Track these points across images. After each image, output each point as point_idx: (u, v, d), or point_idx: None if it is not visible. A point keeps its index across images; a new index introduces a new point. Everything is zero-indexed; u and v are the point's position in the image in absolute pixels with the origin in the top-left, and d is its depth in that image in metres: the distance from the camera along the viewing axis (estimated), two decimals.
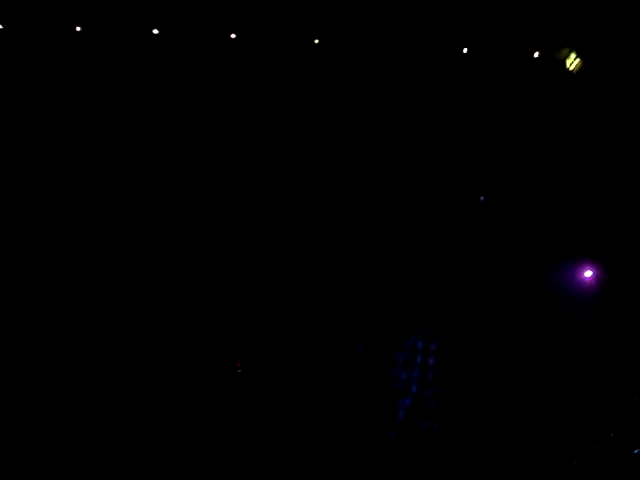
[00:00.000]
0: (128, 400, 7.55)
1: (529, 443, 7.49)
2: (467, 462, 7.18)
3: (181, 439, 7.38)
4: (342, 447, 7.34)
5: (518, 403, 7.60)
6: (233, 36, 8.24)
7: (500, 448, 7.45)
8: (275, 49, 8.27)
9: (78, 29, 8.12)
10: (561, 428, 7.52)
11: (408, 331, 6.53)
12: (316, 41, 8.27)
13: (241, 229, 8.18)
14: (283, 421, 7.64)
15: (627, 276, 7.77)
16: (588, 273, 7.80)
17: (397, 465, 6.43)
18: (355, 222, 8.14)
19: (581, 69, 8.12)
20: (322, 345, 7.79)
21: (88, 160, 8.23)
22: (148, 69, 8.31)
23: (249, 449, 7.45)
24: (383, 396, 6.80)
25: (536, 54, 8.23)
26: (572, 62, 8.16)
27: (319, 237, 8.13)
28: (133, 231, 8.12)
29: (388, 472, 6.51)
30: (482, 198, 8.09)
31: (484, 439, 7.41)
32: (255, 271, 8.08)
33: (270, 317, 7.97)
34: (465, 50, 8.27)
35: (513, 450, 7.46)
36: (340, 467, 7.23)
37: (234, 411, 7.68)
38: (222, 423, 7.61)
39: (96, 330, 7.78)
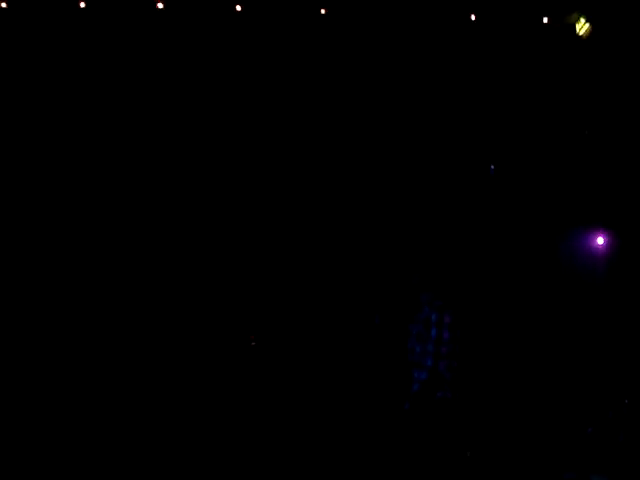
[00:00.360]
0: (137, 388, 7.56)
1: (543, 411, 7.54)
2: (480, 430, 7.24)
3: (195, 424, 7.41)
4: (355, 420, 7.39)
5: (532, 371, 7.63)
6: (239, 8, 8.18)
7: (514, 416, 7.50)
8: (281, 20, 8.20)
9: (82, 5, 8.07)
10: (575, 395, 7.57)
11: (422, 303, 6.55)
12: (322, 11, 8.21)
13: (252, 204, 8.17)
14: (298, 393, 7.68)
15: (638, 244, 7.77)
16: (600, 241, 7.79)
17: (411, 434, 6.49)
18: (367, 194, 8.12)
19: (590, 34, 8.03)
20: (337, 318, 7.80)
21: (87, 145, 8.17)
22: (153, 43, 8.24)
23: (264, 421, 7.50)
24: (398, 368, 6.83)
25: (545, 19, 8.14)
26: (581, 27, 8.08)
27: (332, 210, 8.11)
28: (132, 218, 8.09)
29: (402, 441, 6.57)
30: (492, 167, 8.05)
31: (498, 409, 7.46)
32: (270, 243, 8.08)
33: (285, 291, 7.98)
34: (473, 17, 8.19)
35: (527, 418, 7.51)
36: (353, 440, 7.28)
37: (251, 381, 7.72)
38: (239, 393, 7.65)
39: (100, 322, 7.78)
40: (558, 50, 8.17)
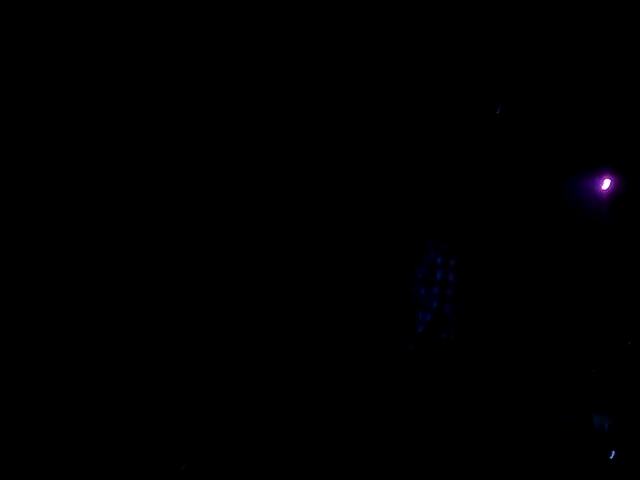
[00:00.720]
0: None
1: (546, 352, 7.59)
2: (483, 371, 7.30)
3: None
4: (360, 360, 7.43)
5: (536, 313, 7.67)
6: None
7: (517, 357, 7.56)
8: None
9: None
10: (578, 336, 7.61)
11: (427, 247, 6.56)
12: None
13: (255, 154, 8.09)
14: (304, 332, 7.73)
15: None
16: (606, 183, 7.75)
17: (414, 374, 6.55)
18: (371, 138, 8.04)
19: None
20: (343, 262, 7.80)
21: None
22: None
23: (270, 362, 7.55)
24: (403, 310, 6.87)
25: None
26: None
27: (337, 156, 8.05)
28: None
29: (406, 381, 6.63)
30: (500, 107, 7.97)
31: (501, 350, 7.50)
32: (278, 190, 8.02)
33: (291, 235, 7.96)
34: None
35: (530, 358, 7.57)
36: (358, 380, 7.33)
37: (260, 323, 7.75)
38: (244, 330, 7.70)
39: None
40: None
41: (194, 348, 7.59)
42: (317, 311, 7.77)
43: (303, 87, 8.11)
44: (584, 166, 7.82)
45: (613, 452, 6.87)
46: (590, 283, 7.74)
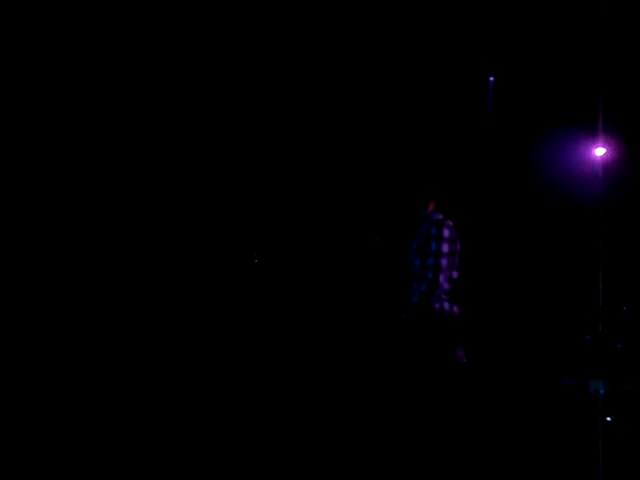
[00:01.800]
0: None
1: (542, 319, 7.66)
2: (479, 340, 7.37)
3: None
4: (356, 330, 7.50)
5: (531, 281, 7.73)
6: None
7: (513, 325, 7.63)
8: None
9: None
10: (574, 303, 7.68)
11: (420, 218, 6.59)
12: None
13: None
14: (303, 305, 7.79)
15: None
16: (600, 151, 7.75)
17: (409, 343, 6.61)
18: (363, 107, 8.04)
19: None
20: (340, 237, 7.85)
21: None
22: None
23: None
24: (398, 281, 6.92)
25: None
26: None
27: (331, 134, 8.06)
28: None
29: (400, 350, 6.70)
30: (491, 79, 7.96)
31: (497, 319, 7.58)
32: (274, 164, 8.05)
33: (287, 212, 8.00)
34: None
35: (526, 326, 7.64)
36: (354, 350, 7.41)
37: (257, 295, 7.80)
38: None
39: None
40: None
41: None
42: (316, 283, 7.84)
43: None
44: (577, 133, 7.83)
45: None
46: (585, 249, 7.80)
